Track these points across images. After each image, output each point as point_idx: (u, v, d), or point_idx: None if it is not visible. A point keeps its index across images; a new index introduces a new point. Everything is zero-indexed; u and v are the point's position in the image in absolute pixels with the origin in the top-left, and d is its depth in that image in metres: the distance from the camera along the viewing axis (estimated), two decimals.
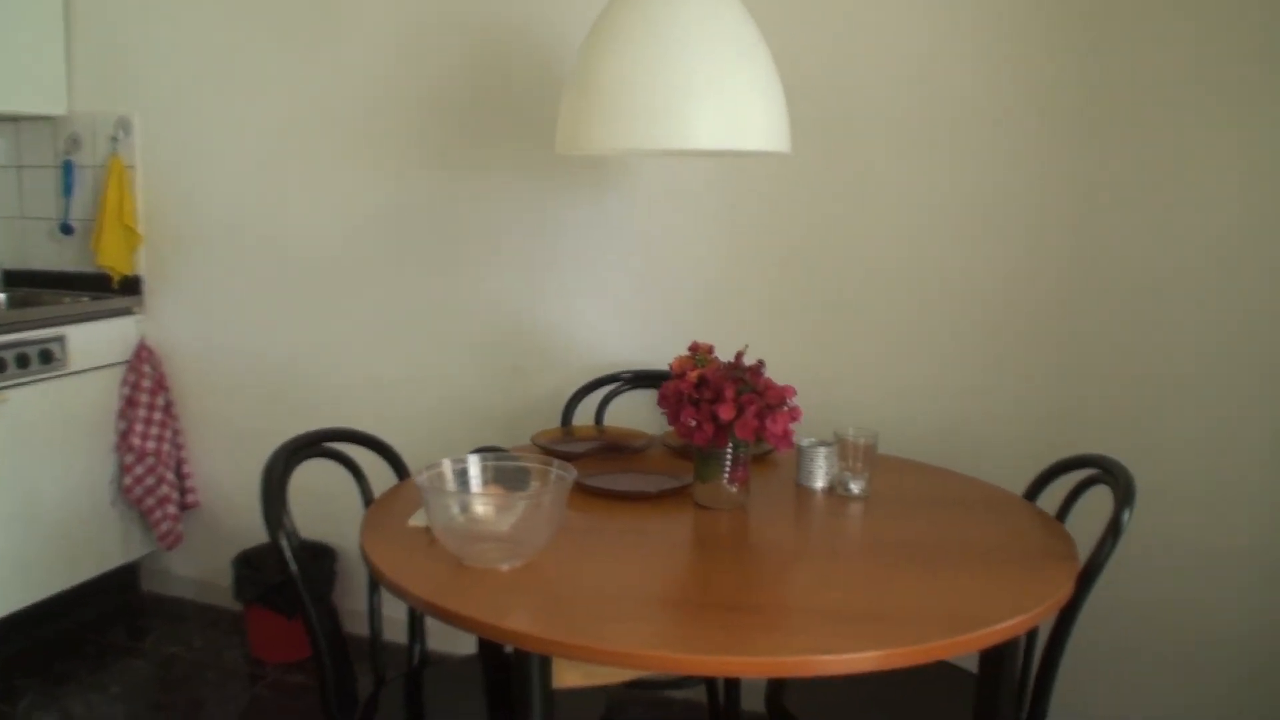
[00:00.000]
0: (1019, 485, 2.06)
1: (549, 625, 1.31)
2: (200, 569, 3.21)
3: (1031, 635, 1.83)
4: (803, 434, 2.24)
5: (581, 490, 1.86)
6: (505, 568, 1.49)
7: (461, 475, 1.59)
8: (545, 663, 1.36)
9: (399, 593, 1.43)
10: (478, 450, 1.74)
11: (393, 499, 1.80)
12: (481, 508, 1.50)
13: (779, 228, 2.47)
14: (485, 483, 1.60)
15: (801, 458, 1.91)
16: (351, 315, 2.92)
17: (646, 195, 2.57)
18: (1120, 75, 2.15)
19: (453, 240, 2.77)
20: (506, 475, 1.61)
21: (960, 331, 2.35)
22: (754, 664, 1.26)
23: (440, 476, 1.55)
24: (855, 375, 2.45)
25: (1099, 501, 1.83)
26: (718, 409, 1.65)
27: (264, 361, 3.05)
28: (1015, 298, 2.30)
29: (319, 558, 2.94)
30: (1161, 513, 2.23)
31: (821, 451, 1.89)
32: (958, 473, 2.05)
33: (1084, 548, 1.62)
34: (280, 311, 3.01)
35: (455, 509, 1.50)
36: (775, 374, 2.34)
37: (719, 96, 1.70)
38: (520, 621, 1.31)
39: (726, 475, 1.74)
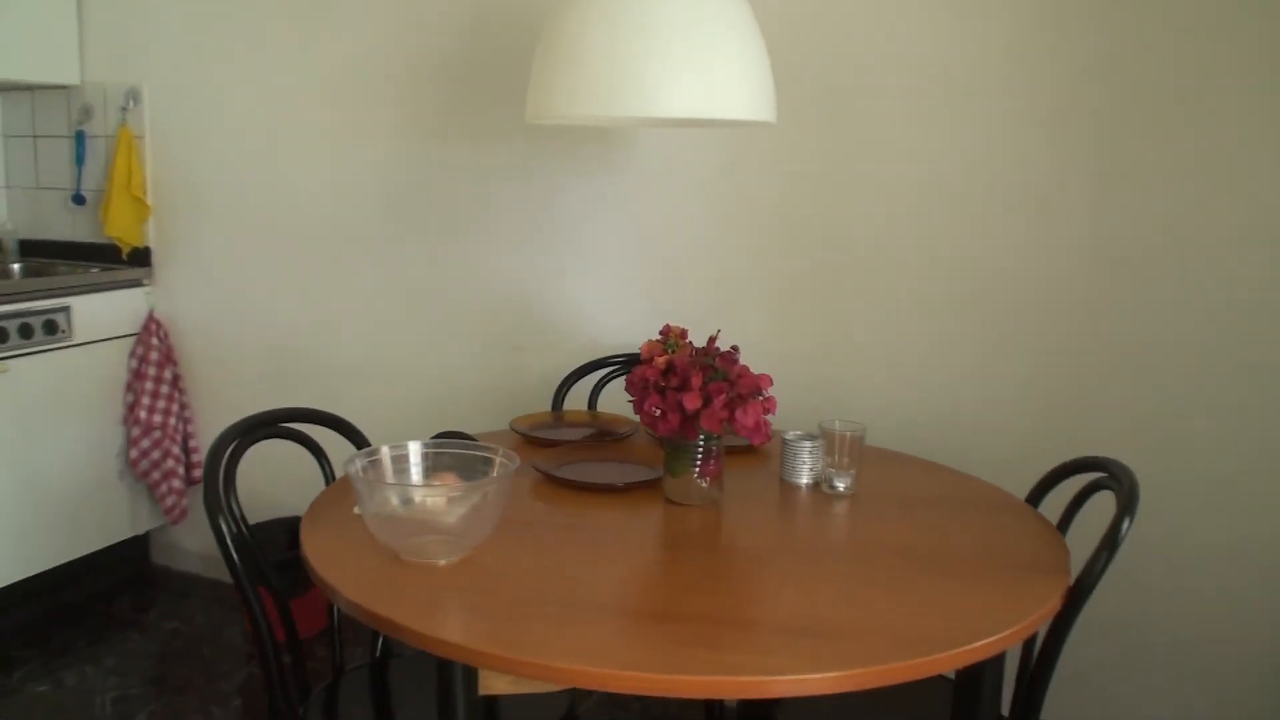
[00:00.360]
0: (1023, 483, 1.90)
1: (474, 633, 1.21)
2: (207, 543, 3.19)
3: (1029, 647, 1.70)
4: (797, 425, 2.11)
5: (548, 480, 1.76)
6: (442, 563, 1.40)
7: (402, 462, 1.50)
8: (470, 672, 1.27)
9: (326, 589, 1.35)
10: (438, 436, 1.65)
11: (349, 483, 1.72)
12: (419, 498, 1.41)
13: (785, 207, 2.33)
14: (431, 471, 1.51)
15: (785, 452, 1.78)
16: (358, 290, 2.85)
17: (647, 172, 2.45)
18: (1144, 51, 1.97)
19: (459, 215, 2.68)
20: (456, 463, 1.52)
21: (967, 320, 2.20)
22: (693, 684, 1.15)
23: (378, 464, 1.47)
24: (859, 363, 2.31)
25: (1109, 507, 1.67)
26: (683, 398, 1.53)
27: (272, 336, 3.00)
28: (1026, 283, 2.13)
29: None
30: (1178, 514, 2.06)
31: (806, 446, 1.76)
32: (954, 470, 1.91)
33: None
34: (288, 286, 2.95)
35: (394, 500, 1.41)
36: (772, 360, 2.22)
37: (693, 63, 1.57)
38: (443, 628, 1.22)
39: (697, 469, 1.63)
